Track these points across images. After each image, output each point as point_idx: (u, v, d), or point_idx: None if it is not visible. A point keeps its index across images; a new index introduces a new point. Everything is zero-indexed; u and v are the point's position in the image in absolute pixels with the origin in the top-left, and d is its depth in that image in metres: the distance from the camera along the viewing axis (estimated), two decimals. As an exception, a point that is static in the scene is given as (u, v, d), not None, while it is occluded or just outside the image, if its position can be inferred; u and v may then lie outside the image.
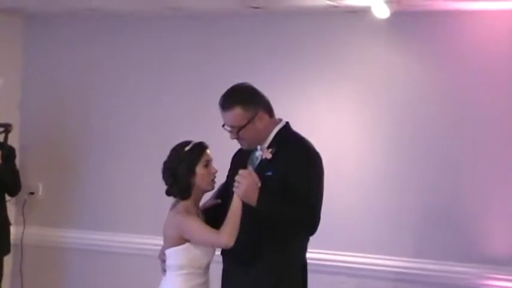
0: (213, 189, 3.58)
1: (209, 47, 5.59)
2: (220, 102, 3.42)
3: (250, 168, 3.35)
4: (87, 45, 5.93)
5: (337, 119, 5.37)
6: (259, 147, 3.45)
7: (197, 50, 5.66)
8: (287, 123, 3.55)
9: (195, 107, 5.49)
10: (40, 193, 6.10)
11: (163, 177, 3.56)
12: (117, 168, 5.89)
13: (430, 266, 5.06)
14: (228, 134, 3.53)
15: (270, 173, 3.36)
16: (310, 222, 3.33)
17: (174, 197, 3.57)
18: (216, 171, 3.56)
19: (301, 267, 3.51)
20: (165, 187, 3.56)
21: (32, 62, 6.08)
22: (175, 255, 3.49)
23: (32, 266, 6.03)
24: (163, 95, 5.75)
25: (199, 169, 3.51)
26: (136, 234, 5.73)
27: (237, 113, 3.38)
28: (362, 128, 5.33)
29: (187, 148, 3.52)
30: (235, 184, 3.32)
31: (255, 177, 3.28)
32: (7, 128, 5.46)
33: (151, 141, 5.70)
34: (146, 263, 5.25)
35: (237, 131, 3.40)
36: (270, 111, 3.47)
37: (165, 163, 3.56)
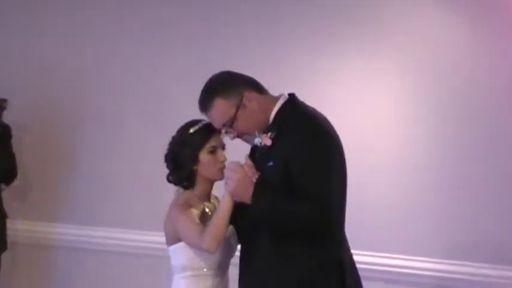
0: (222, 178, 3.17)
1: (213, 18, 5.08)
2: (199, 107, 3.04)
3: (246, 159, 2.92)
4: (80, 14, 5.40)
5: (374, 97, 4.78)
6: (256, 133, 3.00)
7: (199, 22, 5.13)
8: (291, 96, 3.04)
9: (197, 84, 4.76)
10: (20, 182, 5.38)
11: (165, 161, 3.25)
12: (111, 153, 5.34)
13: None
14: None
15: (271, 164, 2.88)
16: (321, 220, 2.77)
17: (175, 185, 3.26)
18: (225, 159, 3.19)
19: (336, 266, 2.92)
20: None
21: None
22: (175, 254, 3.18)
23: (14, 264, 5.46)
24: (163, 72, 5.23)
25: (203, 155, 3.20)
26: (133, 230, 5.20)
27: (220, 105, 2.98)
28: (405, 106, 4.71)
29: (192, 130, 3.19)
30: (224, 180, 2.95)
31: (248, 171, 2.87)
32: (2, 104, 4.99)
33: (150, 125, 5.19)
34: (144, 262, 5.09)
35: (230, 125, 2.97)
36: (257, 87, 3.04)
37: (169, 144, 3.25)
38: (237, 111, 2.96)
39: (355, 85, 4.82)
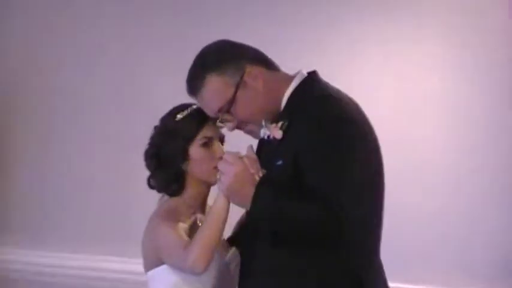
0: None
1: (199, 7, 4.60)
2: (187, 88, 2.54)
3: (248, 150, 2.42)
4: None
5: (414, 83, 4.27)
6: (263, 122, 2.47)
7: (182, 11, 4.63)
8: (311, 74, 2.52)
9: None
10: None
11: (145, 159, 2.73)
12: (82, 159, 4.69)
13: None
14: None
15: (280, 163, 2.38)
16: (334, 231, 2.27)
17: (159, 191, 2.72)
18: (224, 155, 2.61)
19: (354, 281, 2.39)
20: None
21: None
22: (154, 282, 2.61)
23: None
24: (145, 63, 4.64)
25: (195, 150, 2.66)
26: (99, 256, 4.60)
27: (213, 83, 2.47)
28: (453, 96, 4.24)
29: (179, 116, 2.66)
30: (217, 176, 2.44)
31: (250, 165, 2.36)
32: None
33: (132, 122, 4.52)
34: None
35: (227, 110, 2.47)
36: (264, 61, 2.53)
37: (150, 137, 2.73)
38: (236, 91, 2.44)
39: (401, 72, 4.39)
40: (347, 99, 2.44)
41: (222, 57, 2.46)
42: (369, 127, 2.42)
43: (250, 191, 2.30)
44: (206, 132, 2.65)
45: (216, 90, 2.44)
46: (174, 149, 2.65)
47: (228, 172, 2.35)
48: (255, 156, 2.39)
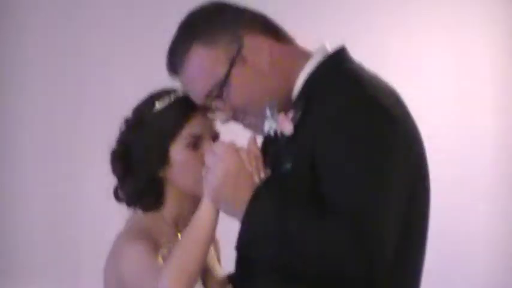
0: None
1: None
2: (167, 63, 1.92)
3: (249, 142, 1.81)
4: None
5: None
6: (268, 111, 1.83)
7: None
8: (338, 51, 1.88)
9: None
10: None
11: (112, 162, 2.13)
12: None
13: None
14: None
15: (288, 166, 1.78)
16: (357, 258, 1.64)
17: (128, 204, 2.11)
18: None
19: None
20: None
21: None
22: None
23: None
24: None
25: (178, 152, 2.07)
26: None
27: (200, 56, 1.85)
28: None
29: (158, 105, 2.07)
30: (203, 173, 1.83)
31: (249, 161, 1.77)
32: None
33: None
34: None
35: (219, 94, 1.85)
36: (273, 30, 1.89)
37: (119, 134, 2.14)
38: (230, 69, 1.83)
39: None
40: (389, 90, 1.83)
41: (213, 22, 1.85)
42: (410, 124, 1.81)
43: (245, 196, 1.70)
44: (193, 128, 2.05)
45: (203, 66, 1.83)
46: (150, 148, 2.05)
47: (217, 168, 1.75)
48: (257, 151, 1.79)
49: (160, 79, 2.07)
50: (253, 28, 1.84)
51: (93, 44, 4.02)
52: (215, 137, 2.10)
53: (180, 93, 2.07)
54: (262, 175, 1.75)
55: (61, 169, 3.92)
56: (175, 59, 1.86)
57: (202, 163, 1.95)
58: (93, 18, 4.14)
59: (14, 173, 3.93)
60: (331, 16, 4.03)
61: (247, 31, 1.83)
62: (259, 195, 1.70)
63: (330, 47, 1.91)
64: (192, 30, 1.85)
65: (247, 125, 1.88)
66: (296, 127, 1.78)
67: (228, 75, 1.82)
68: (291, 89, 1.83)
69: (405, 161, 1.72)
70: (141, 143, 2.06)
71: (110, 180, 2.12)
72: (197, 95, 1.88)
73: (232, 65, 1.81)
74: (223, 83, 1.82)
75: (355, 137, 1.67)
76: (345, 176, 1.66)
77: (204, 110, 1.98)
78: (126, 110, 2.17)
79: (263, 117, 1.84)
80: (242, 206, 1.69)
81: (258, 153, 1.78)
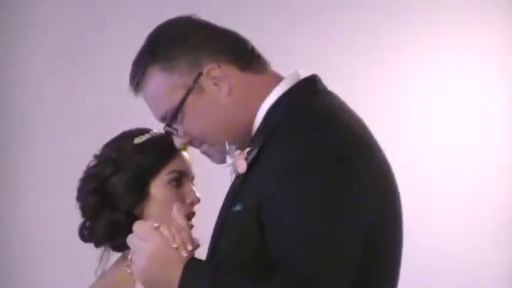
0: None
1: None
2: (129, 81, 1.82)
3: (174, 212, 1.71)
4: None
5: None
6: (227, 146, 1.75)
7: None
8: (307, 79, 1.76)
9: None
10: None
11: (79, 198, 2.02)
12: None
13: None
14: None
15: (238, 208, 1.68)
16: None
17: (97, 244, 2.02)
18: (198, 201, 2.04)
19: None
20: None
21: None
22: None
23: None
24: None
25: (159, 188, 1.99)
26: None
27: (157, 79, 1.77)
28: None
29: (138, 140, 2.02)
30: (129, 257, 1.89)
31: (172, 236, 1.66)
32: None
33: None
34: None
35: (173, 118, 1.77)
36: (239, 57, 1.77)
37: (87, 169, 2.04)
38: (185, 97, 1.74)
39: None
40: (353, 121, 1.71)
41: (173, 47, 1.75)
42: (378, 169, 1.69)
43: (174, 274, 1.62)
44: (178, 164, 2.01)
45: (158, 90, 1.75)
46: (129, 183, 1.98)
47: (140, 251, 1.66)
48: (181, 222, 1.70)
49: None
50: (216, 56, 1.75)
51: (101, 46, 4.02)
52: (193, 178, 2.06)
53: (158, 132, 2.02)
54: (190, 247, 1.66)
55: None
56: (134, 77, 1.79)
57: (183, 204, 1.98)
58: (100, 19, 4.12)
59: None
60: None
61: (209, 59, 1.74)
62: (189, 271, 1.62)
63: (304, 72, 1.79)
64: (152, 52, 1.77)
65: (204, 153, 1.81)
66: (251, 166, 1.68)
67: (182, 103, 1.74)
68: (252, 122, 1.74)
69: (367, 217, 1.63)
70: (119, 177, 2.00)
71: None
72: (155, 116, 1.81)
73: (188, 93, 1.73)
74: (178, 109, 1.74)
75: (302, 188, 1.59)
76: (291, 234, 1.58)
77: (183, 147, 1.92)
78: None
79: (220, 148, 1.76)
80: (174, 285, 1.62)
81: (183, 224, 1.71)
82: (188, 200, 2.01)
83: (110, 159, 2.01)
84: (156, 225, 1.66)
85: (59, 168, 3.79)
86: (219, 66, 1.72)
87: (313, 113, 1.68)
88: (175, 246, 1.64)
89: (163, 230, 1.65)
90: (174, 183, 2.01)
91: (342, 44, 3.90)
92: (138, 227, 1.69)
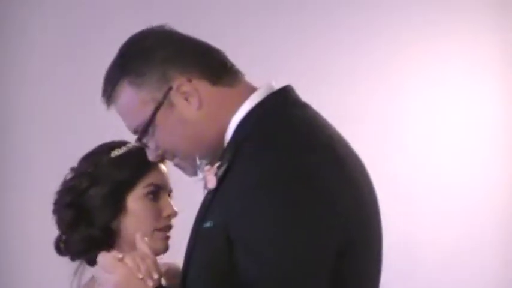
0: (165, 250, 2.02)
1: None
2: (102, 93, 1.82)
3: (138, 241, 1.71)
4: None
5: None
6: (198, 160, 1.74)
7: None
8: (279, 91, 1.75)
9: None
10: None
11: (56, 212, 2.03)
12: None
13: None
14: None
15: (208, 224, 1.66)
16: None
17: (73, 257, 2.02)
18: (175, 214, 2.04)
19: None
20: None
21: None
22: None
23: None
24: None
25: (135, 202, 2.00)
26: None
27: (126, 94, 1.76)
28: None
29: (114, 153, 2.03)
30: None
31: (136, 266, 1.66)
32: None
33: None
34: None
35: (142, 134, 1.76)
36: (209, 71, 1.75)
37: (63, 183, 2.05)
38: (155, 112, 1.73)
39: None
40: (323, 134, 1.69)
41: (143, 61, 1.73)
42: (347, 184, 1.66)
43: None
44: (154, 177, 2.01)
45: (129, 104, 1.75)
46: (105, 197, 1.98)
47: (105, 283, 1.66)
48: (146, 250, 1.70)
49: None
50: (186, 70, 1.73)
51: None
52: (170, 191, 2.06)
53: (135, 144, 1.95)
54: (156, 276, 1.66)
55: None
56: (105, 90, 1.78)
57: (159, 216, 2.00)
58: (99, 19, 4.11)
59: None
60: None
61: (178, 73, 1.72)
62: None
63: (277, 84, 1.77)
64: (122, 65, 1.76)
65: (177, 165, 1.80)
66: (221, 181, 1.66)
67: (153, 117, 1.72)
68: (223, 136, 1.72)
69: (323, 233, 1.59)
70: (95, 191, 2.00)
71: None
72: (128, 129, 1.80)
73: (158, 107, 1.72)
74: (148, 124, 1.73)
75: (263, 210, 1.58)
76: (252, 257, 1.57)
77: (163, 162, 1.97)
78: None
79: (191, 162, 1.75)
80: None
81: (147, 252, 1.70)
82: (165, 214, 2.00)
83: (86, 173, 2.01)
84: (120, 256, 1.65)
85: (57, 168, 3.79)
86: (190, 81, 1.71)
87: (280, 128, 1.67)
88: (140, 276, 1.63)
89: (128, 261, 1.64)
90: (151, 196, 2.01)
91: (338, 47, 3.91)
92: (102, 258, 1.68)
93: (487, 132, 3.95)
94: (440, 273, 3.82)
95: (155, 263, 1.66)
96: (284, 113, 1.70)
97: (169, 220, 2.01)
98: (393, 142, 3.70)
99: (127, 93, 1.73)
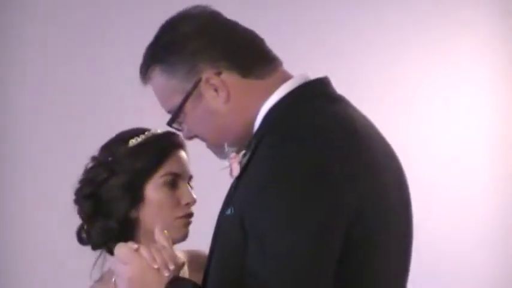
0: (184, 237, 2.02)
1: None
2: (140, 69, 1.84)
3: (157, 233, 1.73)
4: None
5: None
6: (226, 147, 1.75)
7: None
8: (315, 82, 1.73)
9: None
10: None
11: (76, 202, 2.02)
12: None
13: None
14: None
15: (229, 211, 1.67)
16: None
17: (95, 247, 2.01)
18: (193, 202, 2.03)
19: None
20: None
21: None
22: None
23: None
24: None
25: (153, 191, 2.00)
26: None
27: (158, 79, 1.77)
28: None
29: (133, 142, 2.01)
30: (112, 279, 1.94)
31: (151, 257, 1.67)
32: None
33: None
34: None
35: (171, 121, 1.77)
36: (241, 64, 1.74)
37: (84, 172, 2.05)
38: (184, 101, 1.74)
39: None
40: (346, 130, 1.65)
41: (174, 49, 1.74)
42: (360, 183, 1.62)
43: None
44: (171, 166, 2.01)
45: (160, 90, 1.77)
46: (124, 187, 1.98)
47: (121, 275, 1.68)
48: (164, 243, 1.71)
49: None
50: (216, 62, 1.73)
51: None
52: (189, 178, 2.06)
53: (155, 132, 2.03)
54: (172, 266, 1.66)
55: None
56: (141, 70, 1.80)
57: (178, 204, 2.00)
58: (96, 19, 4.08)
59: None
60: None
61: (208, 65, 1.72)
62: None
63: (314, 74, 1.76)
64: (155, 52, 1.77)
65: (208, 147, 1.81)
66: (243, 170, 1.67)
67: (181, 106, 1.74)
68: (252, 125, 1.73)
69: (332, 230, 1.58)
70: (114, 181, 2.00)
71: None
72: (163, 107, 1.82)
73: (187, 98, 1.73)
74: (178, 111, 1.75)
75: (278, 209, 1.58)
76: (259, 248, 1.57)
77: (182, 149, 1.99)
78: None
79: (220, 149, 1.76)
80: None
81: (165, 244, 1.72)
82: (183, 201, 2.00)
83: (105, 163, 2.02)
84: (136, 246, 1.66)
85: (57, 168, 3.77)
86: (219, 73, 1.71)
87: (302, 119, 1.67)
88: (155, 267, 1.64)
89: (143, 251, 1.66)
90: (169, 185, 2.01)
91: (337, 53, 3.90)
92: (118, 250, 1.69)
93: (487, 132, 3.96)
94: (436, 270, 3.82)
95: (172, 255, 1.66)
96: (310, 104, 1.69)
97: (189, 208, 2.01)
98: (391, 142, 3.69)
99: (158, 79, 1.74)
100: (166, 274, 1.64)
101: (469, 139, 3.94)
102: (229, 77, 1.71)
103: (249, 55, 1.74)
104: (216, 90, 1.71)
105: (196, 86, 1.71)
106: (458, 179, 3.85)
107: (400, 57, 3.93)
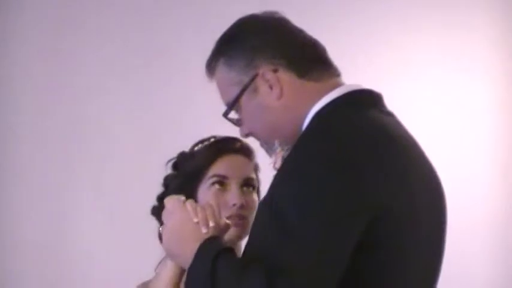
0: (237, 238, 2.09)
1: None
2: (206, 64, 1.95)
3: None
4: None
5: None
6: (276, 143, 1.85)
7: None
8: (360, 93, 1.83)
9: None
10: None
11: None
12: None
13: None
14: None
15: (262, 199, 1.80)
16: None
17: (175, 191, 2.09)
18: (240, 203, 2.12)
19: None
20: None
21: None
22: None
23: None
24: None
25: (203, 192, 2.14)
26: None
27: (220, 72, 1.88)
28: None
29: (198, 147, 2.20)
30: (160, 229, 1.87)
31: (194, 211, 1.74)
32: None
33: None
34: None
35: (227, 112, 1.87)
36: (297, 65, 1.83)
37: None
38: (240, 94, 1.84)
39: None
40: (377, 137, 1.73)
41: (237, 43, 1.84)
42: (386, 182, 1.68)
43: (189, 248, 1.68)
44: (219, 168, 2.13)
45: (222, 82, 1.87)
46: (176, 190, 2.08)
47: (167, 223, 1.76)
48: (210, 202, 1.83)
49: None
50: (275, 60, 1.82)
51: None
52: (249, 181, 2.15)
53: (219, 138, 2.17)
54: (212, 224, 1.71)
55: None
56: (207, 63, 1.89)
57: (226, 206, 2.09)
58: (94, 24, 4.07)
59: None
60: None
61: (266, 62, 1.81)
62: (203, 248, 1.66)
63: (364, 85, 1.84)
64: (222, 45, 1.87)
65: (261, 146, 1.90)
66: (283, 164, 1.75)
67: (237, 98, 1.83)
68: (301, 126, 1.79)
69: (349, 222, 1.63)
70: (173, 185, 2.14)
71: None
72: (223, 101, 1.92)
73: (243, 90, 1.82)
74: (233, 103, 1.83)
75: (299, 199, 1.63)
76: (275, 225, 1.62)
77: (234, 152, 2.13)
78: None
79: (271, 146, 1.85)
80: (187, 259, 1.67)
81: (211, 204, 1.80)
82: (231, 203, 2.09)
83: (172, 168, 2.19)
84: (183, 199, 1.77)
85: (55, 168, 3.75)
86: (276, 70, 1.80)
87: (345, 120, 1.75)
88: (195, 220, 1.70)
89: (188, 205, 1.75)
90: (217, 186, 2.12)
91: (334, 46, 3.89)
92: (168, 199, 1.81)
93: (486, 132, 3.98)
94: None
95: (215, 214, 1.71)
96: (356, 108, 1.77)
97: (237, 209, 2.09)
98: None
99: (221, 71, 1.84)
100: (204, 231, 1.69)
101: (469, 139, 3.97)
102: (285, 75, 1.79)
103: (308, 58, 1.83)
104: (270, 86, 1.79)
105: (253, 79, 1.80)
106: (458, 179, 3.85)
107: (401, 57, 3.96)
